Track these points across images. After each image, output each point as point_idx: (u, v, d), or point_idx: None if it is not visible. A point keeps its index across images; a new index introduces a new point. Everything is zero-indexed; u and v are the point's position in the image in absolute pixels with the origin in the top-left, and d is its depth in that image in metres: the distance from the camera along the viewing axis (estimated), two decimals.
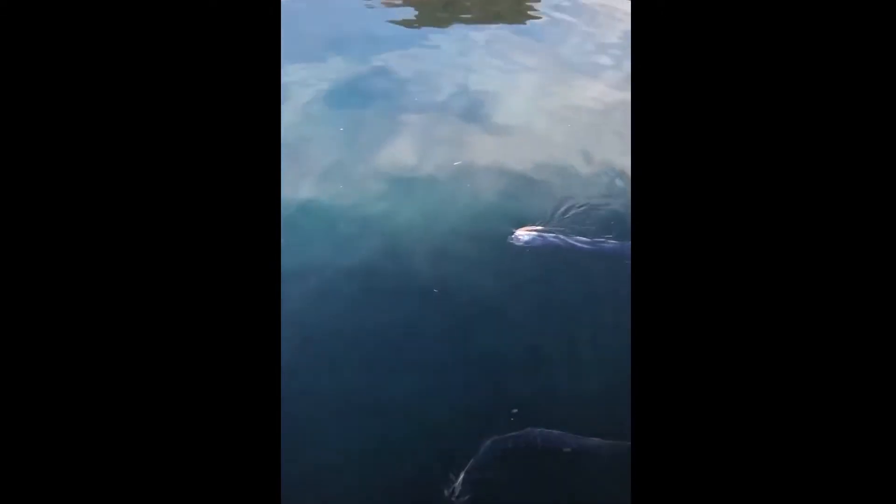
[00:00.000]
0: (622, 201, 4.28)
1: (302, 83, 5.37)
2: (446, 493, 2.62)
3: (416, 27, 6.83)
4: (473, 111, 5.29)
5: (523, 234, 3.90)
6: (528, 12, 7.26)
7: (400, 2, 7.35)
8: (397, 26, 6.84)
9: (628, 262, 3.69)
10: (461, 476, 2.65)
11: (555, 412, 2.93)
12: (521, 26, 7.05)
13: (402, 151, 4.70)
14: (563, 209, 4.18)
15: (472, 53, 6.27)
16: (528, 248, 3.83)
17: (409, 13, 7.07)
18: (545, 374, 3.15)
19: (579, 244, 3.89)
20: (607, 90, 5.67)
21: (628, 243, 3.82)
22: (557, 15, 7.18)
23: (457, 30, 6.84)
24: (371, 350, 3.26)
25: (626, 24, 6.98)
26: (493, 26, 6.93)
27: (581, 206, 4.22)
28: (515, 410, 2.92)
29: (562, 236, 3.93)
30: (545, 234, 3.92)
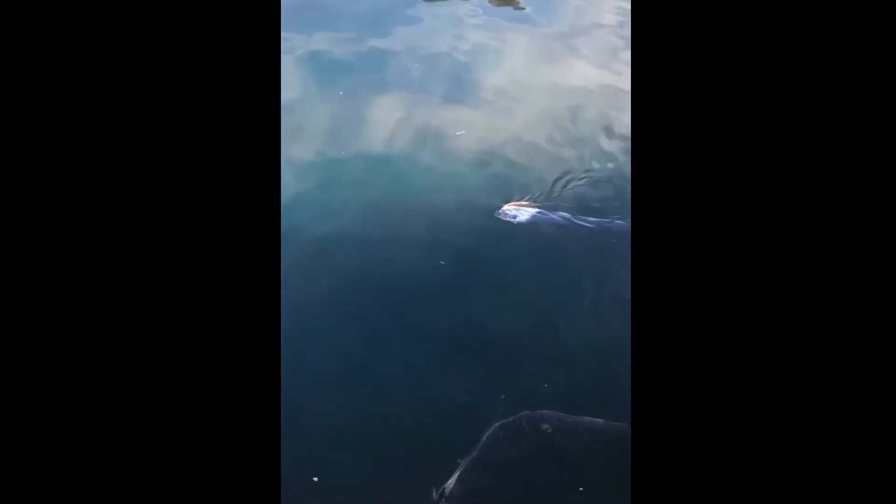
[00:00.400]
0: (608, 177, 4.33)
1: (286, 52, 5.27)
2: (434, 494, 2.52)
3: None
4: (460, 85, 5.25)
5: (510, 209, 3.93)
6: None
7: None
8: None
9: (615, 240, 3.76)
10: (456, 474, 2.55)
11: (550, 393, 2.92)
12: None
13: (387, 123, 4.66)
14: (549, 185, 4.21)
15: (461, 27, 6.18)
16: (515, 222, 3.87)
17: None
18: (537, 353, 3.16)
19: (565, 219, 3.93)
20: (596, 68, 5.63)
21: (614, 220, 3.88)
22: None
23: (447, 3, 6.72)
24: (358, 324, 3.26)
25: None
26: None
27: (567, 182, 4.25)
28: (503, 396, 2.90)
29: (547, 211, 3.97)
30: (531, 209, 3.97)
